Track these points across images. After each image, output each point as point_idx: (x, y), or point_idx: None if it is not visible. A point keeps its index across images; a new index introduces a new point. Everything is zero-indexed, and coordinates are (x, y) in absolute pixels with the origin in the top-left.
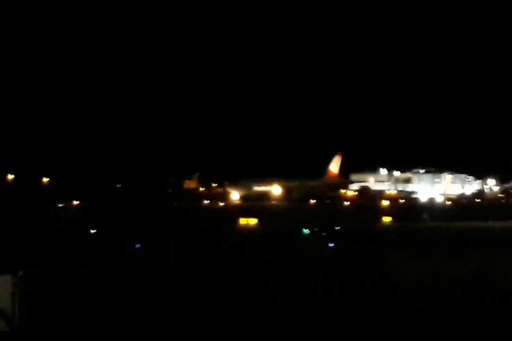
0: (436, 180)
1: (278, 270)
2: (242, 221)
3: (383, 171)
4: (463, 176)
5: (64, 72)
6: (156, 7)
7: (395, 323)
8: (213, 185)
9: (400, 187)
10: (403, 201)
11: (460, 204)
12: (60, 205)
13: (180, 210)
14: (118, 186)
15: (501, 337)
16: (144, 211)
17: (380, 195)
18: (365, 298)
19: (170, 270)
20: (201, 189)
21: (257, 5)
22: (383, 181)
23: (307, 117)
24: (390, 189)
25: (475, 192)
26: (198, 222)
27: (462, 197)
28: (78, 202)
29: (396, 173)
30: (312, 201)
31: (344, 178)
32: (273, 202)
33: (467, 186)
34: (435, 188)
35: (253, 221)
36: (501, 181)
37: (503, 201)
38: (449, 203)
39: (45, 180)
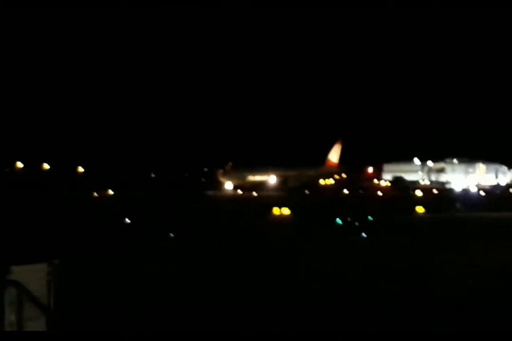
0: (470, 170)
1: (309, 260)
2: (276, 211)
3: (417, 161)
4: (497, 166)
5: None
6: (156, 7)
7: (430, 315)
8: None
9: (434, 177)
10: (437, 191)
11: (494, 194)
12: (95, 194)
13: (212, 199)
14: (152, 176)
15: None
16: (178, 200)
17: (414, 185)
18: (399, 289)
19: (203, 258)
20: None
21: (256, 4)
22: (416, 171)
23: (314, 106)
24: (423, 179)
25: (509, 182)
26: (232, 211)
27: (496, 187)
28: (113, 192)
29: (430, 163)
30: (345, 191)
31: (344, 167)
32: (270, 192)
33: (501, 176)
34: (469, 178)
35: (286, 211)
36: None
37: None
38: (482, 193)
39: (80, 169)
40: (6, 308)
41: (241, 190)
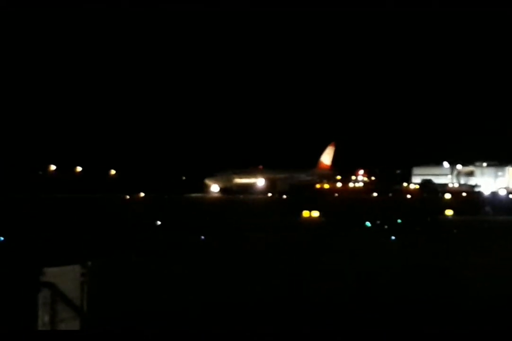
0: (499, 173)
1: (337, 261)
2: (305, 213)
3: (446, 164)
4: None
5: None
6: (156, 7)
7: (460, 317)
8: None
9: (463, 180)
10: (466, 194)
11: None
12: (127, 197)
13: (241, 202)
14: (183, 178)
15: None
16: (208, 202)
17: (443, 188)
18: (428, 291)
19: (233, 261)
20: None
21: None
22: (445, 174)
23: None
24: (452, 182)
25: None
26: (261, 213)
27: None
28: (144, 194)
29: (459, 166)
30: (375, 194)
31: (336, 170)
32: (258, 195)
33: None
34: (498, 182)
35: (315, 213)
36: None
37: None
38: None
39: (112, 172)
40: (40, 309)
41: (228, 193)
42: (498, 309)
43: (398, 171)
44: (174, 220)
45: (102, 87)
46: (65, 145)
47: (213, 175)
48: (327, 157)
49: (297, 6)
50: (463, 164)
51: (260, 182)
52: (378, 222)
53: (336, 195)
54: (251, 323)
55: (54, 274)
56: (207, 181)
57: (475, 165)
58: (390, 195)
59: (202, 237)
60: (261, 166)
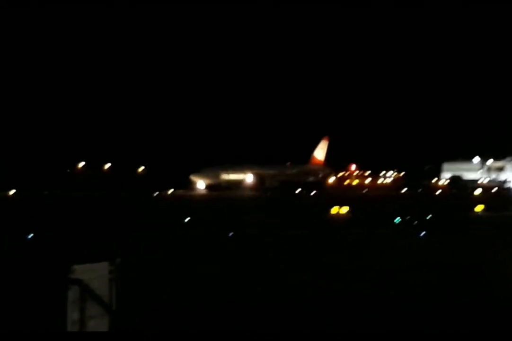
0: None
1: (367, 258)
2: (334, 209)
3: (476, 160)
4: None
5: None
6: (156, 7)
7: (487, 315)
8: None
9: (493, 176)
10: (496, 189)
11: None
12: (155, 193)
13: (269, 199)
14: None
15: None
16: (235, 199)
17: (473, 184)
18: (457, 288)
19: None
20: None
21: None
22: (476, 170)
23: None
24: (482, 177)
25: None
26: (289, 210)
27: None
28: (172, 190)
29: (489, 162)
30: (404, 189)
31: (329, 165)
32: (246, 192)
33: None
34: None
35: (344, 210)
36: None
37: None
38: None
39: (141, 169)
40: (69, 307)
41: (215, 190)
42: None
43: (427, 167)
44: (201, 217)
45: (102, 88)
46: (92, 143)
47: (199, 170)
48: (320, 153)
49: (292, 2)
50: (494, 160)
51: (248, 178)
52: (408, 217)
53: (365, 191)
54: (283, 323)
55: (82, 271)
56: (193, 177)
57: (505, 161)
58: (419, 190)
59: (231, 234)
60: (289, 163)
